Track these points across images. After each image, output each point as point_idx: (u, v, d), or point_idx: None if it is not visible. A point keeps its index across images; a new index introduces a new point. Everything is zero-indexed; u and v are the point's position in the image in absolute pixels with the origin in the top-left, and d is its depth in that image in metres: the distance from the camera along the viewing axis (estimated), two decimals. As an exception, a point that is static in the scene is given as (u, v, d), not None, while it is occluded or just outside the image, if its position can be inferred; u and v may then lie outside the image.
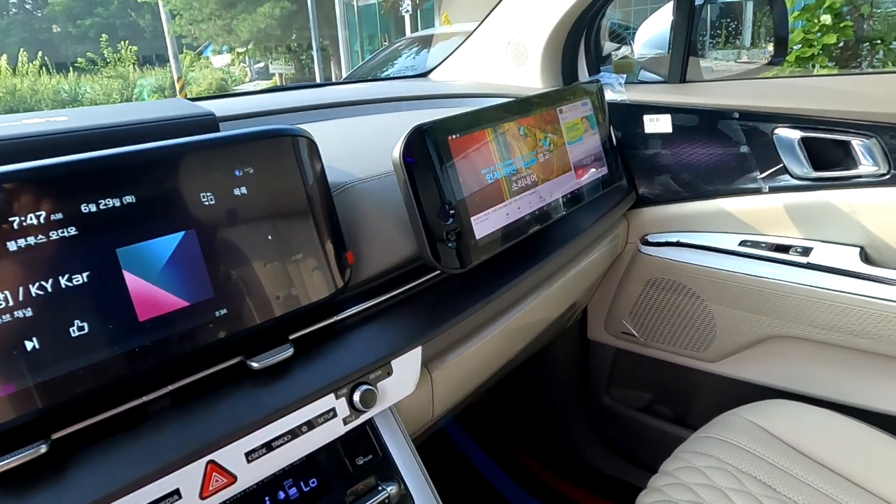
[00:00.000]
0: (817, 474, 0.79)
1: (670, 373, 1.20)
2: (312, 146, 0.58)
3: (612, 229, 1.10)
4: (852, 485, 0.78)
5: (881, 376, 0.96)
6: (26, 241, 0.43)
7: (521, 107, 0.76)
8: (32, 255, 0.43)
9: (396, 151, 0.61)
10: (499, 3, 1.19)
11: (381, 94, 1.05)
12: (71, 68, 12.08)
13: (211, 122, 0.60)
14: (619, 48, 1.28)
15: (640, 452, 1.34)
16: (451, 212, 0.64)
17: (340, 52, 11.65)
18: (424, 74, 1.37)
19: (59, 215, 0.44)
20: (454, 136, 0.65)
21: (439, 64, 1.36)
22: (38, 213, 0.43)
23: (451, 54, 1.33)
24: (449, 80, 1.31)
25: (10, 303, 0.42)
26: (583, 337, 1.32)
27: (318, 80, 12.96)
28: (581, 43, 1.18)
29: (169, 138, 0.52)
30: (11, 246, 0.42)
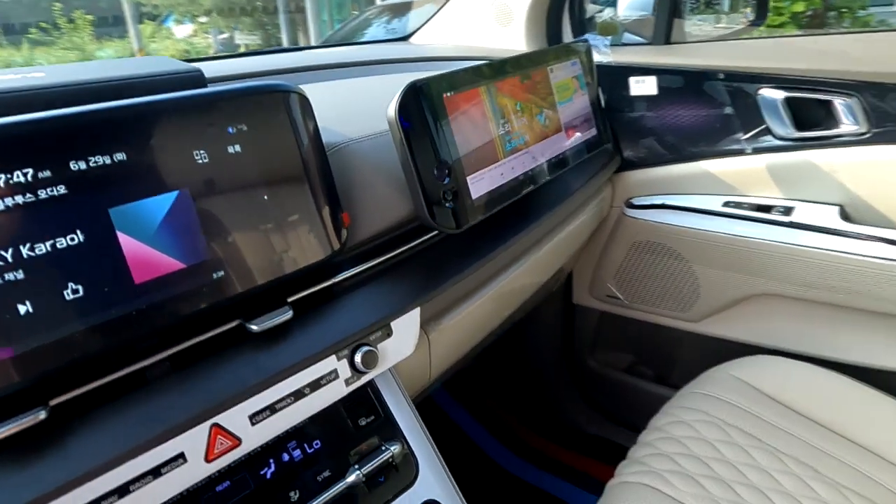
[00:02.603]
0: (800, 425, 0.82)
1: (654, 334, 1.22)
2: (306, 103, 0.56)
3: (598, 193, 1.11)
4: (833, 434, 0.81)
5: (860, 331, 0.99)
6: (13, 199, 0.41)
7: (513, 65, 0.75)
8: (20, 215, 0.41)
9: (391, 109, 0.60)
10: (482, -37, 1.17)
11: (365, 56, 1.02)
12: (24, 40, 11.52)
13: (198, 79, 0.57)
14: (601, 10, 1.27)
15: (625, 413, 1.37)
16: (447, 171, 0.64)
17: (309, 21, 11.33)
18: (405, 38, 1.34)
19: (47, 173, 0.42)
20: (448, 95, 0.64)
21: (420, 27, 1.33)
22: (24, 171, 0.41)
23: (431, 17, 1.30)
24: (431, 43, 1.29)
25: (0, 264, 0.40)
26: (567, 301, 1.34)
27: (285, 51, 12.60)
28: (565, 4, 1.16)
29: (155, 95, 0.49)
30: (-2, 205, 0.40)
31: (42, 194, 0.42)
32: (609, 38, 1.12)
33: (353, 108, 0.77)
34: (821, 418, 0.83)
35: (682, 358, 1.23)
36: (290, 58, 1.03)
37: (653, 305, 1.19)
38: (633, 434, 0.87)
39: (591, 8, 1.26)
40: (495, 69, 0.72)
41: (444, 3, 1.26)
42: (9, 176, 0.41)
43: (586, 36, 1.17)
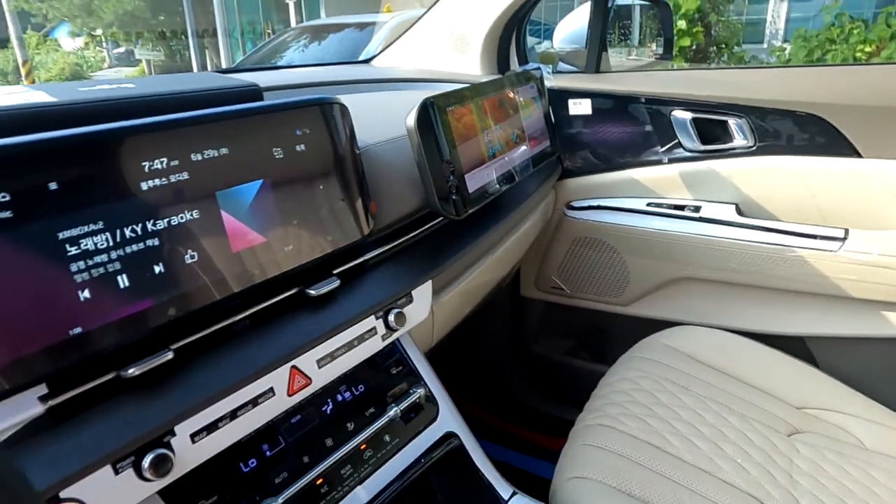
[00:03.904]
0: (715, 376, 1.04)
1: (592, 318, 1.43)
2: (346, 112, 0.70)
3: (545, 197, 1.30)
4: (739, 381, 1.03)
5: (757, 303, 1.24)
6: (153, 182, 0.52)
7: (494, 87, 0.92)
8: (158, 194, 0.52)
9: (411, 120, 0.75)
10: (441, -2, 1.34)
11: (346, 76, 1.16)
12: None
13: (257, 92, 0.69)
14: (539, 42, 1.48)
15: (567, 391, 1.56)
16: (452, 170, 0.79)
17: (219, 39, 11.12)
18: (367, 61, 1.49)
19: (176, 162, 0.54)
20: (451, 109, 0.80)
21: (380, 52, 1.48)
22: (161, 159, 0.53)
23: (392, 43, 1.46)
24: (393, 66, 1.44)
25: (143, 233, 0.51)
26: (515, 294, 1.52)
27: (194, 68, 12.27)
28: (513, 37, 1.36)
29: (223, 105, 0.61)
30: (144, 186, 0.51)
31: (172, 178, 0.53)
32: (550, 66, 1.33)
33: (364, 119, 0.91)
34: (730, 370, 1.05)
35: (616, 337, 1.44)
36: (275, 76, 1.15)
37: (591, 293, 1.40)
38: (575, 409, 1.03)
39: (530, 40, 1.47)
40: (482, 90, 0.88)
41: (405, 31, 1.42)
42: (151, 163, 0.52)
43: (530, 64, 1.37)
